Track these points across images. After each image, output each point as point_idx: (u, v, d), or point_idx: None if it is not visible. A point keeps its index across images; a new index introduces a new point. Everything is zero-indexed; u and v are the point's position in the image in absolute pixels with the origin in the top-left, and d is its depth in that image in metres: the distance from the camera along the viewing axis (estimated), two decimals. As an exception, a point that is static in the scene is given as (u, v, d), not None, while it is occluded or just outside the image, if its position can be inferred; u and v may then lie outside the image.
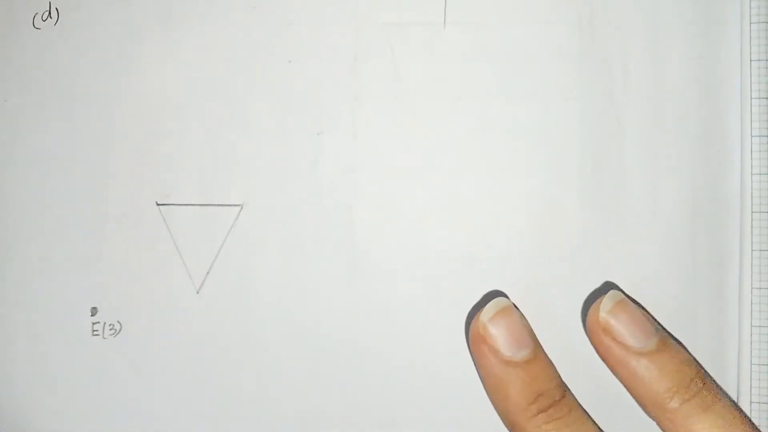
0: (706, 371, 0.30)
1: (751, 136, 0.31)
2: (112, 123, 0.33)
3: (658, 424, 0.29)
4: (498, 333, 0.30)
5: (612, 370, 0.30)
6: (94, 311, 0.32)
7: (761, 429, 0.31)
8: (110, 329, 0.33)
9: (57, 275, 0.33)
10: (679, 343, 0.31)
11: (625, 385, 0.30)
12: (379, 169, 0.32)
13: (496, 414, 0.32)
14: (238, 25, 0.32)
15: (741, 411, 0.29)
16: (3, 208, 0.33)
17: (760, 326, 0.31)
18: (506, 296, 0.32)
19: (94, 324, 0.33)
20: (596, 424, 0.30)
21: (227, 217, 0.32)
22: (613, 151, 0.32)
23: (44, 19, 0.32)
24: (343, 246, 0.32)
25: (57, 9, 0.32)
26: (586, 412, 0.30)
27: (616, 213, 0.32)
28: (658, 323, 0.31)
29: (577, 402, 0.30)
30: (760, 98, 0.31)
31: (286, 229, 0.32)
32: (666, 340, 0.30)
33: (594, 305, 0.30)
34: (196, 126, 0.32)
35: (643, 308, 0.31)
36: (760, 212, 0.31)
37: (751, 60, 0.31)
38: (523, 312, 0.32)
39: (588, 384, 0.32)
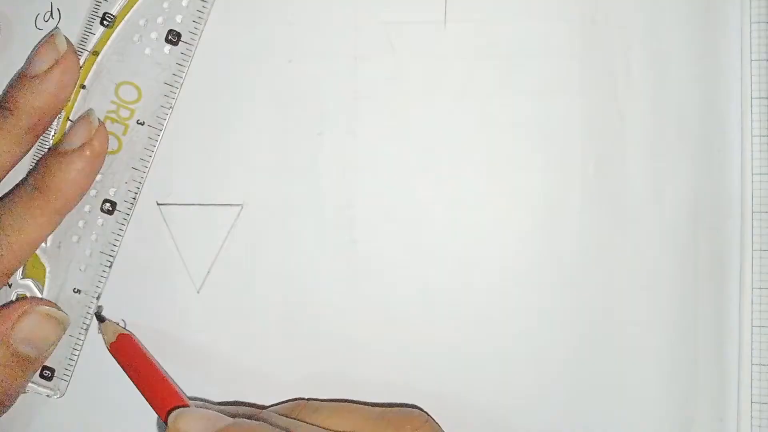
0: None
1: (752, 136, 0.31)
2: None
3: None
4: None
5: None
6: (99, 310, 0.33)
7: (761, 429, 0.31)
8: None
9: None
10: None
11: None
12: (380, 168, 0.32)
13: (494, 413, 0.32)
14: (239, 24, 0.32)
15: None
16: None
17: (760, 326, 0.31)
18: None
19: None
20: None
21: (227, 217, 0.33)
22: (614, 150, 0.32)
23: (46, 19, 0.33)
24: (343, 245, 0.32)
25: (59, 10, 0.33)
26: None
27: (617, 213, 0.32)
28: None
29: None
30: (760, 98, 0.31)
31: (286, 229, 0.32)
32: None
33: None
34: (196, 126, 0.32)
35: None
36: (760, 212, 0.31)
37: (751, 60, 0.31)
38: (522, 312, 0.32)
39: (589, 383, 0.32)
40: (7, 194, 0.31)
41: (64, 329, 0.31)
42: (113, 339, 0.32)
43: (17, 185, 0.31)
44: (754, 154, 0.31)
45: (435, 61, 0.32)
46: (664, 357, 0.32)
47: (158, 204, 0.33)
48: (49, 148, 0.32)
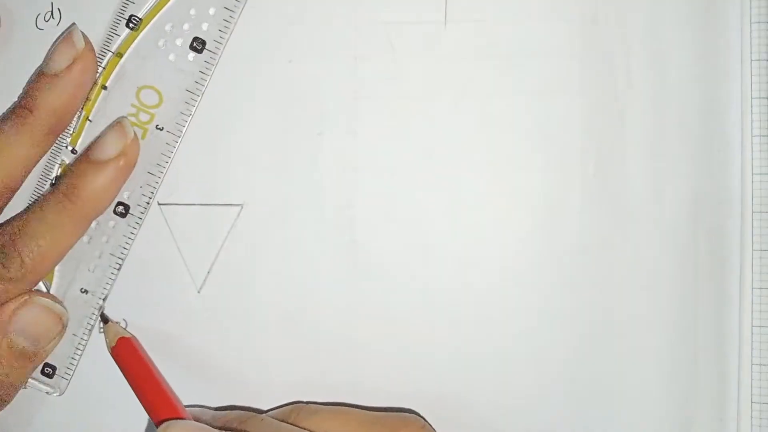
0: None
1: (752, 136, 0.31)
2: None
3: None
4: None
5: None
6: (102, 309, 0.33)
7: (761, 429, 0.31)
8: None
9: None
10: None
11: None
12: (380, 168, 0.32)
13: (494, 414, 0.32)
14: (239, 25, 0.32)
15: None
16: (9, 206, 0.33)
17: (760, 326, 0.31)
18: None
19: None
20: None
21: (228, 217, 0.33)
22: (614, 150, 0.32)
23: (47, 19, 0.33)
24: (343, 245, 0.32)
25: (59, 9, 0.33)
26: None
27: (617, 213, 0.32)
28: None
29: None
30: (760, 98, 0.31)
31: (286, 229, 0.32)
32: None
33: None
34: (197, 126, 0.32)
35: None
36: (760, 212, 0.31)
37: (751, 60, 0.31)
38: (522, 312, 0.32)
39: (589, 383, 0.32)
40: (36, 201, 0.31)
41: (64, 325, 0.31)
42: (113, 342, 0.32)
43: (47, 192, 0.31)
44: (754, 154, 0.31)
45: (435, 61, 0.32)
46: (664, 357, 0.32)
47: (159, 204, 0.33)
48: (75, 153, 0.32)
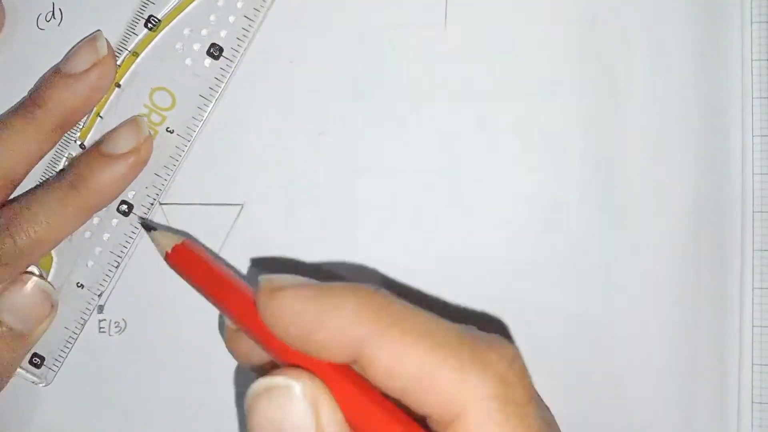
0: None
1: (752, 135, 0.31)
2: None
3: None
4: None
5: None
6: (100, 309, 0.33)
7: (761, 429, 0.31)
8: (116, 327, 0.33)
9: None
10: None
11: None
12: (380, 168, 0.32)
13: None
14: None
15: None
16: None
17: (761, 326, 0.31)
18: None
19: (100, 321, 0.33)
20: None
21: (228, 217, 0.33)
22: (614, 151, 0.32)
23: (48, 19, 0.33)
24: (344, 246, 0.32)
25: (60, 9, 0.33)
26: None
27: (617, 213, 0.32)
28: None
29: None
30: (760, 98, 0.31)
31: (286, 229, 0.33)
32: None
33: None
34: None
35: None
36: (761, 212, 0.31)
37: (751, 60, 0.31)
38: (523, 312, 0.32)
39: (589, 383, 0.32)
40: (41, 185, 0.31)
41: (53, 305, 0.31)
42: (169, 248, 0.28)
43: (53, 178, 0.32)
44: (754, 154, 0.31)
45: (435, 62, 0.32)
46: (664, 357, 0.32)
47: (160, 203, 0.33)
48: (83, 148, 0.32)
